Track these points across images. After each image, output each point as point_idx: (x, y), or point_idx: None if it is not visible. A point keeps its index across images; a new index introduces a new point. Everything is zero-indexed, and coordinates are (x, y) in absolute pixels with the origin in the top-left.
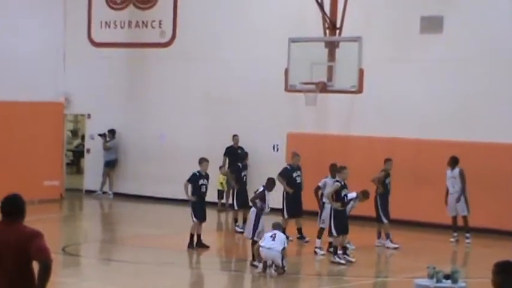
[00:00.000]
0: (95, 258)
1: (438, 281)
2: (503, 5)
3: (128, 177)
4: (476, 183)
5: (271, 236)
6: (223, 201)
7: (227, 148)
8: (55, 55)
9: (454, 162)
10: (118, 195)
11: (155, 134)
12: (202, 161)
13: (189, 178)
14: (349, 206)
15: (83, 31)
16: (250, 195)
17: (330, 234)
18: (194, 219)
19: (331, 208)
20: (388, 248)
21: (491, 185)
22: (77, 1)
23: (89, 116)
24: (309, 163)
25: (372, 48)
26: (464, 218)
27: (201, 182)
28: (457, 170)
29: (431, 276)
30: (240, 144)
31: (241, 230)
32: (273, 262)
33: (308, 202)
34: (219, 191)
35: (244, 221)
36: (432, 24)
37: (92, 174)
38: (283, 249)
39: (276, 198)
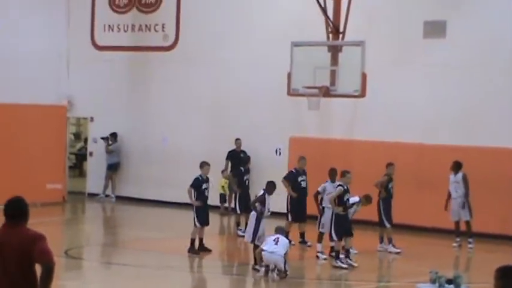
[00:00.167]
0: (97, 261)
1: (441, 286)
2: (507, 9)
3: (130, 181)
4: (479, 188)
5: (274, 240)
6: (226, 205)
7: (229, 152)
8: (58, 58)
9: (457, 166)
10: (120, 199)
11: (158, 138)
12: (204, 164)
13: (192, 183)
14: (351, 210)
15: (86, 34)
16: (253, 199)
17: (331, 238)
18: (197, 224)
19: (332, 212)
20: (390, 252)
21: (494, 189)
22: (80, 4)
23: (91, 119)
24: (312, 167)
25: (375, 53)
26: (467, 223)
27: (204, 186)
28: (460, 175)
29: (433, 281)
30: (242, 148)
31: (243, 234)
32: (275, 266)
33: (309, 207)
34: (221, 194)
35: (246, 225)
36: (435, 28)
37: (95, 178)
38: (285, 253)
39: (279, 202)
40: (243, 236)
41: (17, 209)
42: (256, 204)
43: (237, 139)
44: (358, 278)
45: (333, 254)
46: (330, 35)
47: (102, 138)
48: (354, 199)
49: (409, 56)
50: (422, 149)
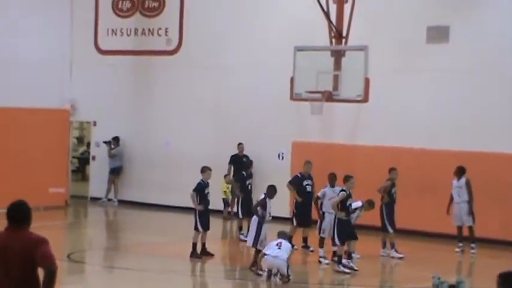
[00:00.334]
0: (100, 265)
1: None
2: (510, 15)
3: (133, 185)
4: (481, 193)
5: (276, 245)
6: (229, 209)
7: (232, 156)
8: (61, 62)
9: (460, 172)
10: (123, 203)
11: (160, 142)
12: (206, 169)
13: (195, 188)
14: (354, 215)
15: (89, 38)
16: (254, 203)
17: (334, 243)
18: (200, 228)
19: (334, 217)
20: (392, 257)
21: (496, 195)
22: (84, 9)
23: (94, 123)
24: (314, 172)
25: (378, 58)
26: (470, 228)
27: (206, 190)
28: (463, 180)
29: (436, 287)
30: (245, 152)
31: (245, 239)
32: (278, 271)
33: (313, 211)
34: (223, 199)
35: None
36: (438, 34)
37: (97, 182)
38: (288, 257)
39: (282, 206)
40: (245, 241)
41: (20, 213)
42: (258, 208)
43: (240, 143)
44: (361, 283)
45: (335, 258)
46: (333, 40)
47: (105, 142)
48: (357, 204)
49: (412, 61)
50: (425, 154)
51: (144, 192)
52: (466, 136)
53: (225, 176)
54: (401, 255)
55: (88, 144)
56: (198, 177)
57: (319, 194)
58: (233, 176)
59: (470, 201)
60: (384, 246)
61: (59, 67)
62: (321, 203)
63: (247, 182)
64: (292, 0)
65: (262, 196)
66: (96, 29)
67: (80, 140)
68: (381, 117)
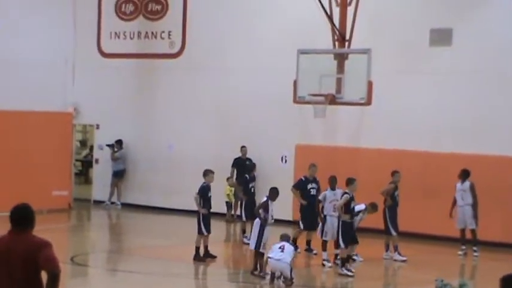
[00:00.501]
0: (103, 268)
1: None
2: None
3: (136, 188)
4: (484, 196)
5: (279, 248)
6: (232, 212)
7: (235, 159)
8: (64, 65)
9: (465, 175)
10: (126, 206)
11: (163, 145)
12: (208, 172)
13: (199, 191)
14: (357, 218)
15: (92, 41)
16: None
17: (338, 246)
18: (204, 231)
19: (338, 220)
20: (395, 260)
21: (499, 198)
22: (87, 12)
23: (97, 126)
24: (318, 175)
25: (381, 61)
26: (473, 231)
27: (209, 194)
28: (467, 184)
29: None
30: (248, 155)
31: (249, 242)
32: (281, 274)
33: None
34: (226, 202)
35: None
36: (441, 36)
37: (100, 185)
38: (291, 260)
39: (286, 209)
40: (249, 244)
41: (23, 216)
42: (260, 211)
43: (243, 146)
44: (364, 285)
45: (337, 261)
46: (336, 43)
47: (108, 145)
48: (360, 207)
49: (415, 63)
50: (428, 156)
51: (147, 195)
52: (469, 139)
53: (228, 179)
54: (404, 258)
55: (91, 147)
56: (201, 180)
57: (320, 197)
58: (236, 179)
59: (474, 205)
60: (387, 249)
61: (62, 70)
62: (322, 206)
63: (250, 185)
64: (295, 4)
65: (265, 199)
66: (99, 32)
67: (83, 143)
68: (384, 120)
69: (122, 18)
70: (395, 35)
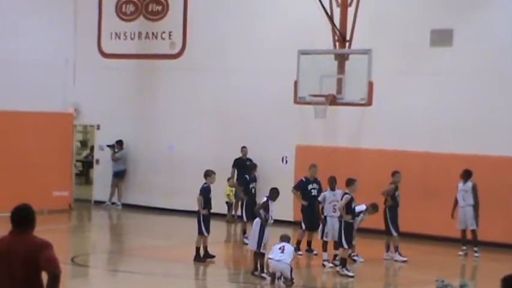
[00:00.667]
0: (103, 268)
1: None
2: None
3: (137, 188)
4: (485, 197)
5: (279, 248)
6: (233, 213)
7: (236, 160)
8: (65, 66)
9: (467, 175)
10: (127, 206)
11: (164, 145)
12: (211, 173)
13: (202, 192)
14: (358, 219)
15: (93, 42)
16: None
17: (340, 246)
18: (205, 232)
19: (340, 221)
20: (396, 261)
21: (500, 198)
22: (88, 12)
23: (98, 126)
24: (318, 176)
25: (382, 61)
26: (473, 231)
27: (210, 195)
28: (469, 184)
29: None
30: (248, 156)
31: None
32: (281, 274)
33: None
34: (227, 202)
35: None
36: (442, 37)
37: (101, 185)
38: (291, 261)
39: (287, 210)
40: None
41: (24, 216)
42: (261, 211)
43: (243, 147)
44: (365, 286)
45: (336, 262)
46: (337, 44)
47: (108, 145)
48: (361, 207)
49: (415, 64)
50: (429, 157)
51: (147, 195)
52: (470, 139)
53: (229, 179)
54: (404, 259)
55: (92, 148)
56: (201, 181)
57: (319, 198)
58: (236, 179)
59: (476, 206)
60: (388, 249)
61: (63, 70)
62: (322, 207)
63: (251, 186)
64: (295, 4)
65: (265, 199)
66: (99, 33)
67: (84, 143)
68: (384, 121)
69: (123, 19)
70: (396, 35)
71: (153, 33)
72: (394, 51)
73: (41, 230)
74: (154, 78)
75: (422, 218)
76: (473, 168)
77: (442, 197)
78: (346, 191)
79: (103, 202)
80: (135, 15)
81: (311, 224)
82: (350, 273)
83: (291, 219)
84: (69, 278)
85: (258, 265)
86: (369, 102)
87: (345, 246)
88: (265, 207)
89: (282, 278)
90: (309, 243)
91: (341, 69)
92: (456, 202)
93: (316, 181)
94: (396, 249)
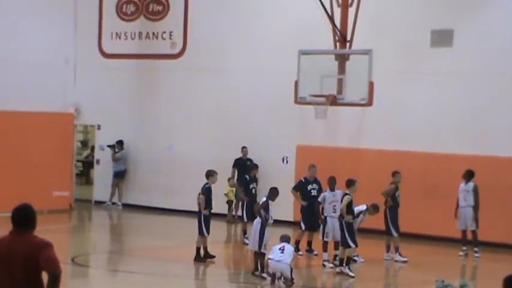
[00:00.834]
0: (104, 269)
1: None
2: None
3: (137, 188)
4: (485, 197)
5: (280, 249)
6: (233, 213)
7: (236, 160)
8: (65, 66)
9: (469, 175)
10: (127, 206)
11: (164, 145)
12: (213, 173)
13: (205, 192)
14: (358, 219)
15: (93, 42)
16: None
17: (347, 246)
18: (205, 233)
19: (342, 222)
20: (396, 261)
21: (500, 198)
22: (88, 12)
23: (98, 126)
24: (318, 176)
25: (382, 61)
26: (473, 232)
27: (212, 195)
28: (471, 184)
29: None
30: (249, 156)
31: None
32: (281, 274)
33: None
34: (227, 202)
35: None
36: (442, 37)
37: (101, 185)
38: (291, 261)
39: (287, 210)
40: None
41: (25, 216)
42: (261, 211)
43: (243, 147)
44: (365, 286)
45: (336, 262)
46: (337, 44)
47: (109, 146)
48: (361, 208)
49: (416, 64)
50: (429, 157)
51: (148, 195)
52: (470, 139)
53: (229, 179)
54: (405, 259)
55: (92, 148)
56: (202, 181)
57: (319, 199)
58: (237, 179)
59: (476, 207)
60: (388, 250)
61: (63, 70)
62: (322, 208)
63: (251, 186)
64: (296, 4)
65: (264, 199)
66: (100, 33)
67: (84, 143)
68: (385, 121)
69: (123, 19)
70: (396, 35)
71: (153, 33)
72: (395, 52)
73: (41, 230)
74: (155, 79)
75: (423, 218)
76: (474, 169)
77: (443, 197)
78: (347, 192)
79: (103, 202)
80: (135, 15)
81: (311, 225)
82: (351, 274)
83: (291, 219)
84: (70, 278)
85: (259, 265)
86: (369, 103)
87: (352, 245)
88: (265, 207)
89: (282, 278)
90: (309, 244)
91: (341, 69)
92: (458, 202)
93: (315, 181)
94: (396, 250)
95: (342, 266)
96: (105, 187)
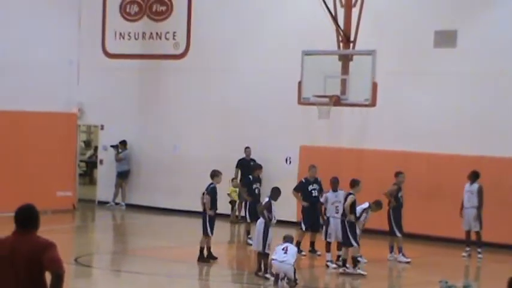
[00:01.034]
0: (107, 269)
1: None
2: None
3: (141, 189)
4: (489, 198)
5: (283, 249)
6: (237, 213)
7: (239, 160)
8: (69, 66)
9: (474, 176)
10: (130, 207)
11: (168, 146)
12: (218, 173)
13: (210, 192)
14: (362, 219)
15: (97, 42)
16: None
17: (349, 245)
18: (210, 233)
19: (345, 221)
20: (400, 262)
21: (504, 199)
22: (92, 12)
23: (102, 127)
24: (322, 176)
25: (386, 62)
26: (477, 233)
27: (217, 196)
28: (476, 185)
29: None
30: (252, 156)
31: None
32: (285, 275)
33: None
34: (230, 202)
35: None
36: (446, 38)
37: (105, 185)
38: (295, 261)
39: (290, 211)
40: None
41: (28, 217)
42: (264, 211)
43: (247, 147)
44: (368, 287)
45: (339, 262)
46: (341, 44)
47: (112, 146)
48: (363, 205)
49: (419, 65)
50: (433, 158)
51: (151, 195)
52: (474, 140)
53: (232, 179)
54: (408, 260)
55: (95, 148)
56: (206, 181)
57: (321, 199)
58: (240, 180)
59: (479, 208)
60: (392, 250)
61: (67, 70)
62: (325, 208)
63: (254, 186)
64: (299, 5)
65: (267, 199)
66: (103, 33)
67: (88, 143)
68: (388, 122)
69: (127, 19)
70: (399, 36)
71: (157, 34)
72: (398, 52)
73: (45, 230)
74: (158, 79)
75: (426, 219)
76: (478, 169)
77: (446, 198)
78: (351, 192)
79: (107, 202)
80: (139, 15)
81: (312, 225)
82: (363, 272)
83: (294, 219)
84: (73, 278)
85: (262, 266)
86: (372, 103)
87: (354, 244)
88: (268, 207)
89: (286, 278)
90: (312, 244)
91: (345, 69)
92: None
93: (316, 181)
94: (400, 250)
95: (345, 266)
96: (108, 187)
